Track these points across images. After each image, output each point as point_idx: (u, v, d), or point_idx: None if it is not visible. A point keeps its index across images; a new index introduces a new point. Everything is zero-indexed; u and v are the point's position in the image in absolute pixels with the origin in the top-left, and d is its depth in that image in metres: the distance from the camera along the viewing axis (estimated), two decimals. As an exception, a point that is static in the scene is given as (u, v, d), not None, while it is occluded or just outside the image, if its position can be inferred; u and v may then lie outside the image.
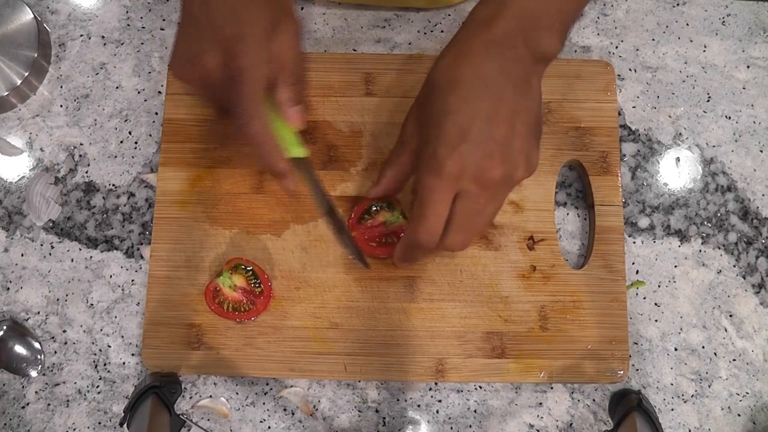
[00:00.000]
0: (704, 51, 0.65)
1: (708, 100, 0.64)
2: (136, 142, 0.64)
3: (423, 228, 0.47)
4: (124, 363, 0.60)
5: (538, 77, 0.46)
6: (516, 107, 0.44)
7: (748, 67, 0.65)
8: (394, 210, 0.59)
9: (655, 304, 0.61)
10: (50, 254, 0.62)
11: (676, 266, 0.61)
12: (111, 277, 0.61)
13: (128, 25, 0.66)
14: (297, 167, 0.53)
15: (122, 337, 0.60)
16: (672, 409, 0.59)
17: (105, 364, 0.60)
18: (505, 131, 0.44)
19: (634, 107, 0.64)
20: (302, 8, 0.66)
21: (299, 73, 0.51)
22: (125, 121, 0.64)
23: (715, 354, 0.60)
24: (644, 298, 0.61)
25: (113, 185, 0.63)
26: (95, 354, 0.60)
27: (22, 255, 0.62)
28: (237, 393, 0.59)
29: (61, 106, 0.64)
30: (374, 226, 0.59)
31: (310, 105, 0.62)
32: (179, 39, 0.50)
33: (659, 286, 0.61)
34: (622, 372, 0.57)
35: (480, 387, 0.59)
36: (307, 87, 0.53)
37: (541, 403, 0.59)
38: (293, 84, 0.50)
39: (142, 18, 0.66)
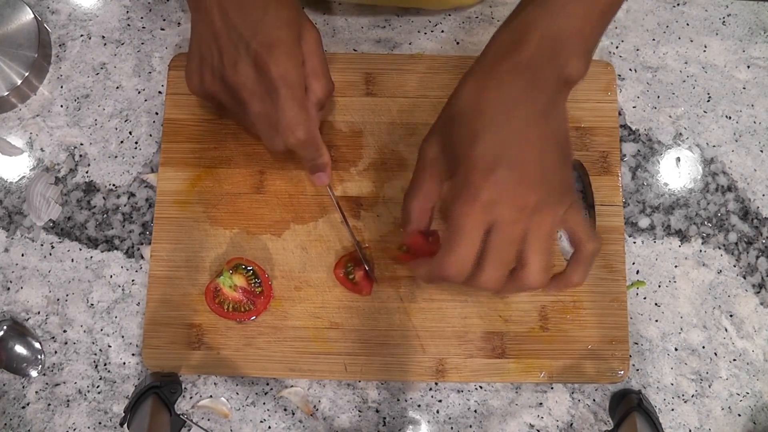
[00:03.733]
0: (704, 51, 0.65)
1: (708, 100, 0.64)
2: (136, 142, 0.64)
3: (453, 259, 0.43)
4: (124, 363, 0.60)
5: (564, 100, 0.45)
6: (545, 131, 0.43)
7: (749, 67, 0.65)
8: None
9: (656, 304, 0.61)
10: (50, 254, 0.62)
11: (676, 266, 0.61)
12: (111, 277, 0.61)
13: (128, 25, 0.66)
14: None
15: (122, 337, 0.60)
16: (672, 409, 0.59)
17: (105, 364, 0.60)
18: (538, 154, 0.42)
19: (634, 107, 0.64)
20: (303, 8, 0.66)
21: (328, 80, 0.52)
22: (125, 121, 0.64)
23: (716, 354, 0.60)
24: (644, 298, 0.61)
25: (113, 185, 0.63)
26: (95, 354, 0.60)
27: (23, 255, 0.62)
28: (237, 393, 0.59)
29: (62, 106, 0.64)
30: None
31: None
32: (195, 56, 0.50)
33: (659, 286, 0.61)
34: (622, 372, 0.57)
35: (480, 387, 0.59)
36: (332, 93, 0.53)
37: (541, 403, 0.59)
38: (324, 89, 0.51)
39: (142, 18, 0.66)
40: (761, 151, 0.64)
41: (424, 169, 0.48)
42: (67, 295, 0.61)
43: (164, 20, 0.66)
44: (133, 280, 0.61)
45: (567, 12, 0.42)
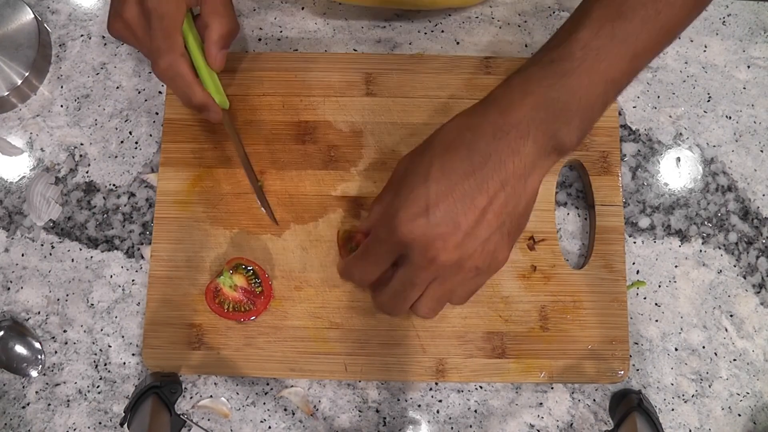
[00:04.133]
0: (705, 51, 0.65)
1: (708, 100, 0.64)
2: (136, 142, 0.64)
3: (357, 269, 0.49)
4: (124, 363, 0.60)
5: (541, 174, 0.43)
6: (496, 200, 0.42)
7: (749, 67, 0.65)
8: None
9: (656, 304, 0.61)
10: (51, 254, 0.62)
11: (676, 266, 0.61)
12: (111, 277, 0.61)
13: (129, 25, 0.66)
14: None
15: (123, 337, 0.60)
16: (672, 409, 0.59)
17: (105, 364, 0.60)
18: (474, 221, 0.42)
19: (634, 107, 0.64)
20: (303, 8, 0.66)
21: (231, 18, 0.53)
22: (126, 121, 0.64)
23: (716, 354, 0.60)
24: (644, 298, 0.61)
25: (114, 185, 0.63)
26: (96, 354, 0.60)
27: (23, 255, 0.62)
28: (237, 393, 0.59)
29: (62, 106, 0.64)
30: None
31: (311, 105, 0.62)
32: (112, 1, 0.52)
33: (660, 286, 0.61)
34: (622, 372, 0.57)
35: (480, 387, 0.59)
36: (237, 33, 0.54)
37: (541, 403, 0.59)
38: (225, 27, 0.52)
39: (142, 18, 0.66)
40: (761, 151, 0.64)
41: (391, 183, 0.50)
42: (67, 295, 0.61)
43: (164, 20, 0.66)
44: (133, 280, 0.61)
45: (570, 81, 0.41)
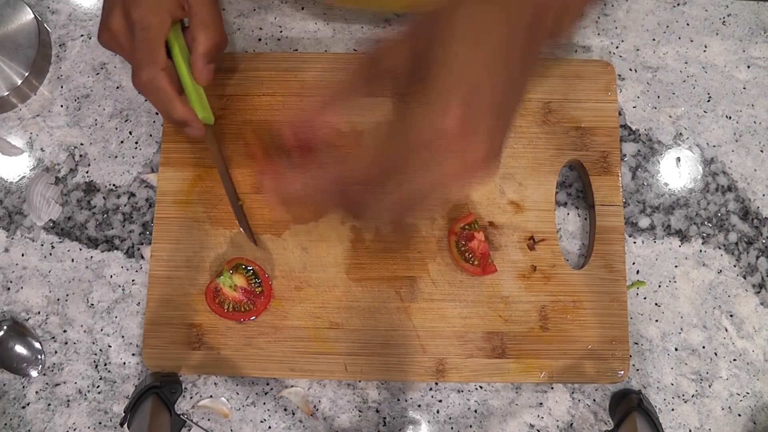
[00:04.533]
0: (705, 51, 0.65)
1: (708, 100, 0.64)
2: (136, 142, 0.64)
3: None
4: (124, 363, 0.60)
5: (538, 49, 0.37)
6: (514, 65, 0.36)
7: (749, 67, 0.65)
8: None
9: (656, 304, 0.61)
10: (51, 254, 0.62)
11: (676, 266, 0.61)
12: (111, 277, 0.61)
13: (128, 25, 0.66)
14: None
15: (123, 337, 0.60)
16: (672, 409, 0.59)
17: (105, 364, 0.60)
18: (505, 82, 0.36)
19: (634, 107, 0.64)
20: (303, 8, 0.66)
21: (219, 32, 0.52)
22: (126, 121, 0.64)
23: (716, 354, 0.60)
24: (644, 298, 0.61)
25: (114, 185, 0.63)
26: (96, 354, 0.60)
27: (23, 255, 0.62)
28: (237, 393, 0.59)
29: (62, 106, 0.64)
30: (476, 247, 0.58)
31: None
32: (102, 10, 0.51)
33: (660, 286, 0.61)
34: (622, 372, 0.57)
35: (480, 387, 0.59)
36: (224, 47, 0.54)
37: (541, 403, 0.59)
38: (212, 40, 0.51)
39: (142, 18, 0.66)
40: (761, 151, 0.64)
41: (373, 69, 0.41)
42: (67, 295, 0.61)
43: (164, 20, 0.66)
44: (133, 280, 0.61)
45: None
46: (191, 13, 0.51)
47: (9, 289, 0.61)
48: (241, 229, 0.59)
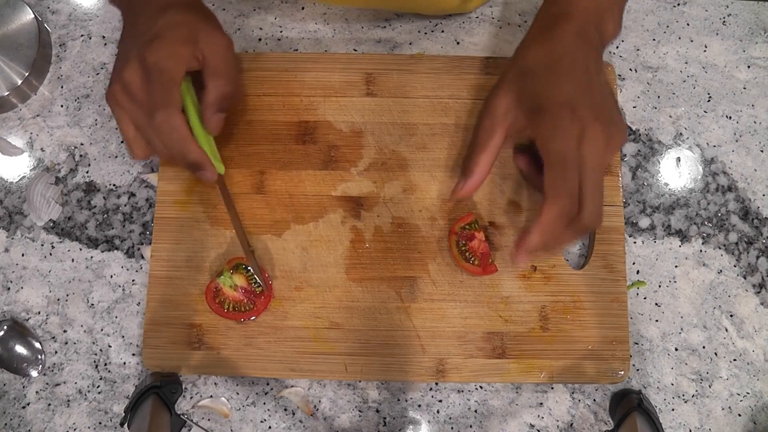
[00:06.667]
0: (705, 51, 0.65)
1: (708, 100, 0.64)
2: (136, 142, 0.64)
3: (564, 193, 0.48)
4: (124, 363, 0.60)
5: (602, 56, 0.53)
6: (599, 81, 0.50)
7: (749, 67, 0.65)
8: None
9: (656, 304, 0.61)
10: (51, 254, 0.62)
11: (676, 266, 0.61)
12: (111, 277, 0.61)
13: (129, 25, 0.66)
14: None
15: (123, 337, 0.60)
16: (672, 409, 0.59)
17: (105, 364, 0.60)
18: (600, 98, 0.49)
19: (634, 107, 0.64)
20: (303, 8, 0.66)
21: (230, 82, 0.52)
22: (126, 121, 0.64)
23: (716, 354, 0.60)
24: (645, 298, 0.61)
25: (114, 185, 0.63)
26: (96, 354, 0.60)
27: (23, 255, 0.62)
28: (237, 393, 0.59)
29: (62, 106, 0.64)
30: (477, 246, 0.58)
31: (311, 105, 0.62)
32: (115, 64, 0.51)
33: (660, 286, 0.61)
34: (622, 372, 0.57)
35: (480, 387, 0.59)
36: (239, 99, 0.54)
37: (541, 403, 0.59)
38: (222, 90, 0.51)
39: (142, 18, 0.66)
40: (761, 151, 0.64)
41: (496, 122, 0.53)
42: (67, 295, 0.61)
43: (164, 20, 0.66)
44: (133, 280, 0.61)
45: None
46: (205, 64, 0.51)
47: (9, 289, 0.61)
48: (255, 276, 0.58)
